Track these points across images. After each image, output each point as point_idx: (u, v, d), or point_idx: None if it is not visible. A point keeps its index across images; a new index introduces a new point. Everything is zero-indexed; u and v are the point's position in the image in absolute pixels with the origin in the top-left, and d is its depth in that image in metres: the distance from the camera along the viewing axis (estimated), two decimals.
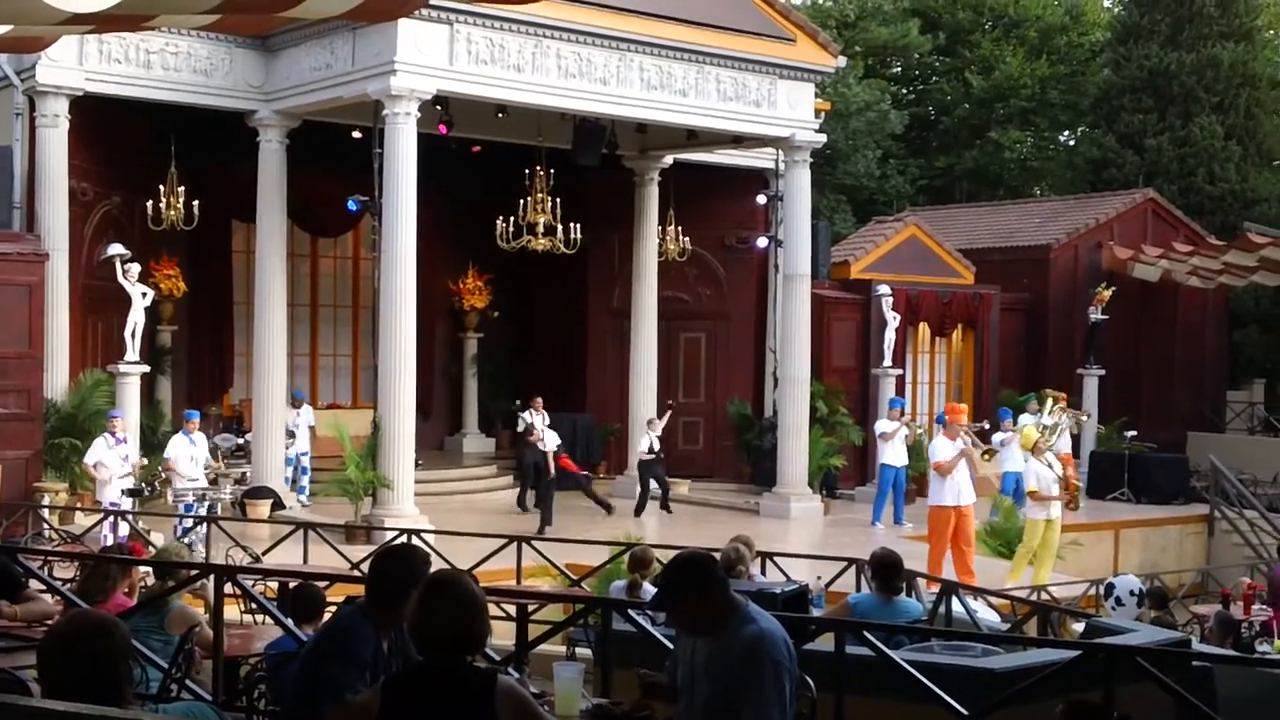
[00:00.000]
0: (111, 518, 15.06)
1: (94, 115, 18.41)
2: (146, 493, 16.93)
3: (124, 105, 18.67)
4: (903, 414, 21.19)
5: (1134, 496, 24.09)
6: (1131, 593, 12.52)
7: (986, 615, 11.80)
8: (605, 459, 24.01)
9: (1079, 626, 10.54)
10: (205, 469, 16.92)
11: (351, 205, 18.11)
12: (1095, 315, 26.11)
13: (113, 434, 16.01)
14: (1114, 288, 26.39)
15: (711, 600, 5.07)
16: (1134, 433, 25.07)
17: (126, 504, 15.83)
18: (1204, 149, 32.66)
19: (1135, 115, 33.66)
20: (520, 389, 25.56)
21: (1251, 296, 30.76)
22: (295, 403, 20.65)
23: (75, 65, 17.73)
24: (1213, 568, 21.41)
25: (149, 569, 9.34)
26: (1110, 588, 12.67)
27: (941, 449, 15.83)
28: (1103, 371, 26.26)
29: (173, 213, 19.56)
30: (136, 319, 17.39)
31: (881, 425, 20.82)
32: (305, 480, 20.38)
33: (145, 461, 17.08)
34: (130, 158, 20.13)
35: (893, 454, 20.45)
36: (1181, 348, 29.10)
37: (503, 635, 9.29)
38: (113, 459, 15.85)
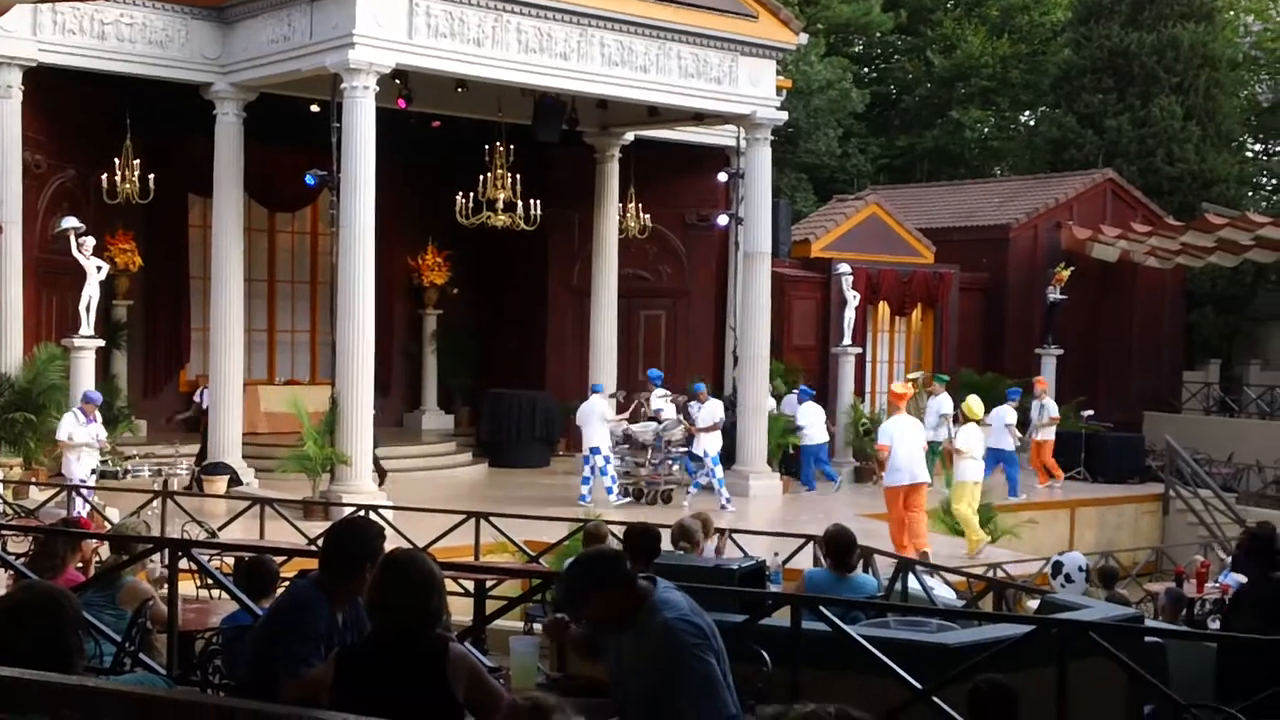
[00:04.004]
0: (80, 492, 14.95)
1: (48, 87, 18.18)
2: (120, 475, 16.82)
3: (78, 77, 18.44)
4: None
5: (1090, 475, 24.27)
6: (1080, 569, 12.59)
7: (943, 592, 11.88)
8: (564, 436, 23.96)
9: (1034, 603, 10.61)
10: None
11: (309, 180, 17.88)
12: (1054, 295, 26.24)
13: (83, 412, 15.97)
14: (1072, 268, 26.53)
15: (618, 596, 4.92)
16: (1091, 412, 25.25)
17: (92, 483, 15.75)
18: (1163, 129, 32.74)
19: (1095, 95, 33.73)
20: (479, 366, 25.58)
21: (1208, 277, 30.95)
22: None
23: (29, 36, 17.49)
24: (1167, 546, 21.61)
25: (104, 543, 9.28)
26: (1058, 566, 12.74)
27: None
28: (1061, 351, 26.43)
29: (128, 186, 19.33)
30: (91, 293, 17.28)
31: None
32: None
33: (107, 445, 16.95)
34: (85, 130, 19.89)
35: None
36: (1139, 328, 29.30)
37: (461, 611, 9.30)
38: (84, 435, 15.85)
